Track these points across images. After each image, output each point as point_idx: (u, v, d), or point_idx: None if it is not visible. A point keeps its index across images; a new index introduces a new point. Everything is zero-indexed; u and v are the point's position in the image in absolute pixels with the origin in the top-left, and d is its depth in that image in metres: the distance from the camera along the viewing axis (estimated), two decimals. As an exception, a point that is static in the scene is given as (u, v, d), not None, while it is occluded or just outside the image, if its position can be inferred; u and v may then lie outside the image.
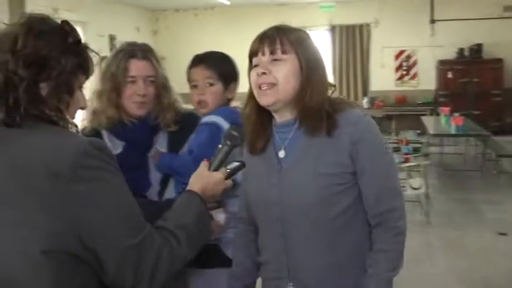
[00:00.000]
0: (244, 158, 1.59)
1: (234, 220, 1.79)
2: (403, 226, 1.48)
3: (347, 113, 1.47)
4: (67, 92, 1.20)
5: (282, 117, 1.51)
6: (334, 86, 1.53)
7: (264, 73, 1.45)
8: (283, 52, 1.45)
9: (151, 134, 1.94)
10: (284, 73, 1.44)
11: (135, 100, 1.87)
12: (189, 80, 1.97)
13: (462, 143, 8.92)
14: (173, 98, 1.96)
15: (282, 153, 1.51)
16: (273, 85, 1.45)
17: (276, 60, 1.45)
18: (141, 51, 1.91)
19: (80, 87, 1.26)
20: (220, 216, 1.81)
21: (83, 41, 1.25)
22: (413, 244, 4.56)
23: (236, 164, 1.55)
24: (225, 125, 1.83)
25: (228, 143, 1.52)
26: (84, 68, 1.24)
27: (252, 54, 1.50)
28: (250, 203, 1.60)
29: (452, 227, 5.32)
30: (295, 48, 1.45)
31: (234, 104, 2.01)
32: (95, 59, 1.29)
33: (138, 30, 11.78)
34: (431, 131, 7.34)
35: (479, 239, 4.95)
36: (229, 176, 1.51)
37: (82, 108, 1.28)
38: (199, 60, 1.95)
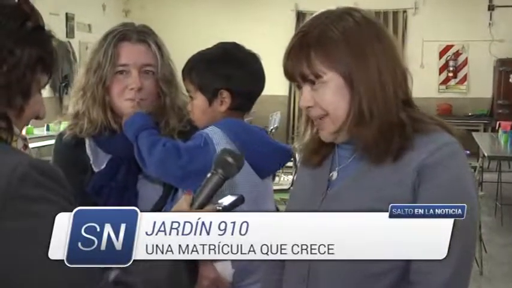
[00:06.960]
0: (298, 169, 1.58)
1: (246, 275, 1.80)
2: None
3: (431, 136, 1.41)
4: (21, 92, 1.19)
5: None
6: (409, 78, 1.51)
7: (309, 107, 1.46)
8: (317, 76, 1.42)
9: None
10: (329, 99, 1.43)
11: (128, 97, 1.84)
12: None
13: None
14: (180, 99, 1.94)
15: (334, 175, 1.53)
16: (325, 116, 1.45)
17: (314, 84, 1.44)
18: (136, 33, 1.89)
19: (39, 89, 1.24)
20: (226, 269, 1.78)
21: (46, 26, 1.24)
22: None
23: (232, 198, 1.48)
24: (220, 140, 1.81)
25: (220, 171, 1.45)
26: (46, 62, 1.23)
27: (287, 77, 1.48)
28: None
29: (513, 279, 5.33)
30: (331, 63, 1.41)
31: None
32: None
33: (104, 8, 11.80)
34: (486, 152, 7.33)
35: (548, 296, 4.94)
36: None
37: (38, 118, 1.27)
38: (182, 70, 1.95)
